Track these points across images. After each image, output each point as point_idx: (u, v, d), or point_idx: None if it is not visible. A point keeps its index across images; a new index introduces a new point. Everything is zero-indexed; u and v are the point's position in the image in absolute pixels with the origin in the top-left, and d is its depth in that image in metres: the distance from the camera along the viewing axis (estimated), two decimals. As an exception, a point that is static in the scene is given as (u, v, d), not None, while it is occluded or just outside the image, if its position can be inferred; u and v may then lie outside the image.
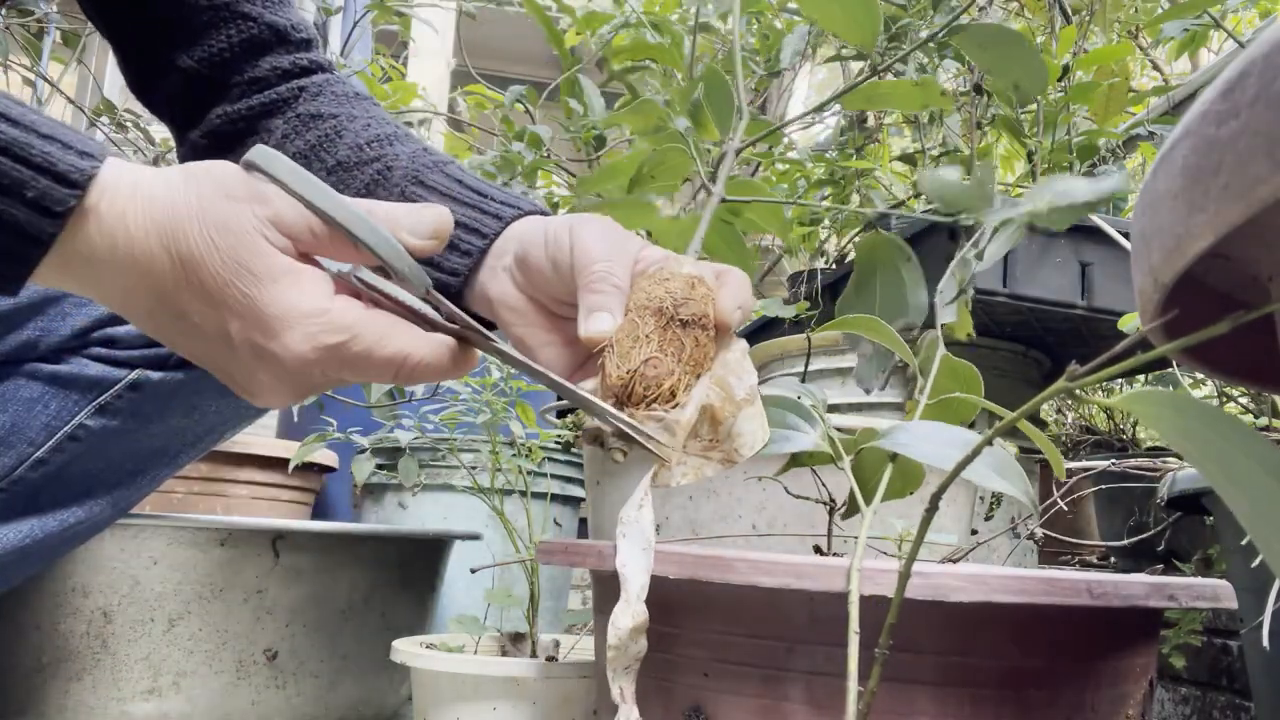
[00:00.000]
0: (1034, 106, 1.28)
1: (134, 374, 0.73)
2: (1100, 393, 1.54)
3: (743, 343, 0.52)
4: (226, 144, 0.72)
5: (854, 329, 0.61)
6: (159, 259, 0.44)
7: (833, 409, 0.88)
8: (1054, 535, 1.37)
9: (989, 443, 0.38)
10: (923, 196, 1.53)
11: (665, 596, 0.53)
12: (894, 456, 0.51)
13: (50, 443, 0.72)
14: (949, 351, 0.57)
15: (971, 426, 0.52)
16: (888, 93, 0.68)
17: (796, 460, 0.58)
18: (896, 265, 0.65)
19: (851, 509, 0.54)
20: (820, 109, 0.72)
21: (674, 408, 0.49)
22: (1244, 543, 0.82)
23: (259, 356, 0.45)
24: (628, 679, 0.49)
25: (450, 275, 0.62)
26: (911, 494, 0.53)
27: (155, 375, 0.73)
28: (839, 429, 0.56)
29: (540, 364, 0.55)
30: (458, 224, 0.62)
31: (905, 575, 0.41)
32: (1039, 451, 1.39)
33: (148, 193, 0.45)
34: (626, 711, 0.48)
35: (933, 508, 0.39)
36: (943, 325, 0.60)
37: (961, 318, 0.69)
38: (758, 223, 0.77)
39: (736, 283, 0.53)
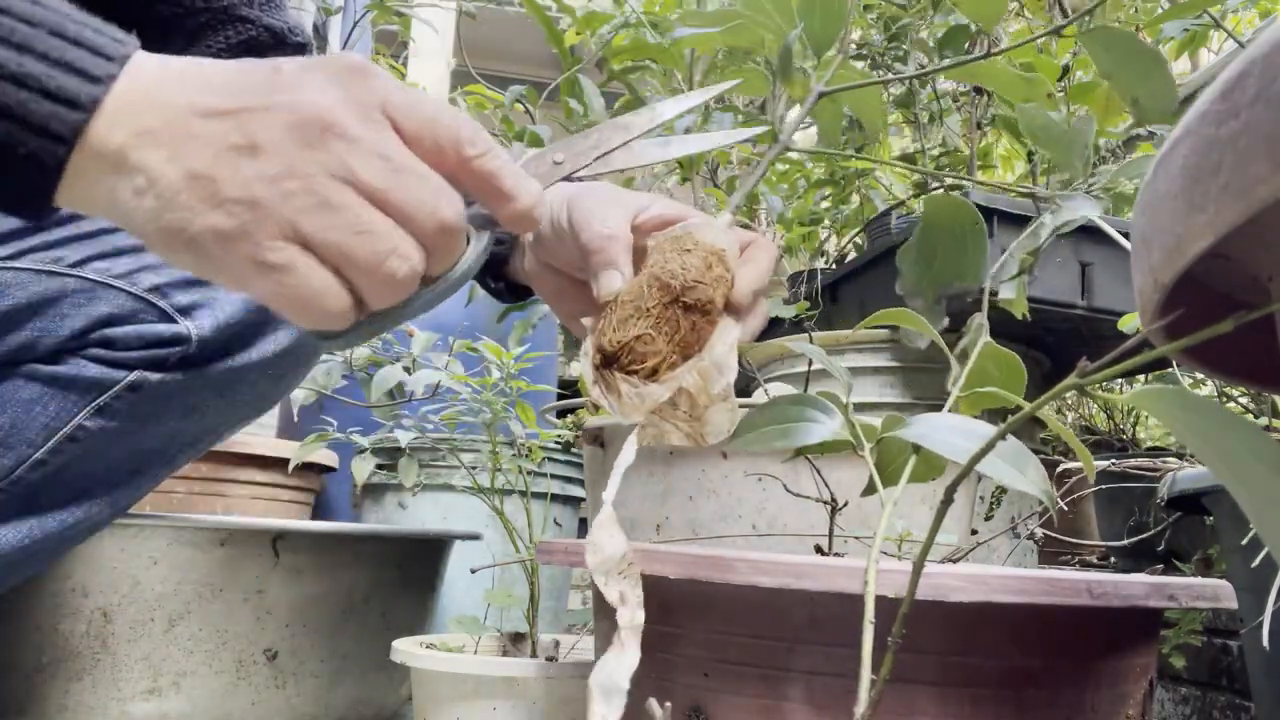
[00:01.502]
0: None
1: (133, 375, 0.73)
2: (1101, 392, 1.54)
3: (735, 331, 0.52)
4: None
5: (892, 321, 0.62)
6: (206, 60, 0.42)
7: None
8: (1054, 535, 1.37)
9: (1003, 437, 0.38)
10: (922, 197, 1.53)
11: (665, 596, 0.53)
12: (917, 449, 0.51)
13: (49, 444, 0.72)
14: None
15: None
16: (986, 73, 0.67)
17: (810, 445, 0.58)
18: (962, 228, 0.64)
19: (870, 491, 0.53)
20: (925, 74, 0.72)
21: (651, 380, 0.50)
22: (1244, 542, 0.82)
23: (312, 69, 0.41)
24: (625, 583, 0.48)
25: (495, 245, 0.65)
26: (934, 479, 0.53)
27: (154, 376, 0.73)
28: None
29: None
30: None
31: (919, 567, 0.41)
32: (1041, 451, 1.39)
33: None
34: (628, 614, 0.48)
35: (948, 500, 0.39)
36: (991, 307, 0.59)
37: (1018, 297, 0.68)
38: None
39: (760, 262, 0.53)
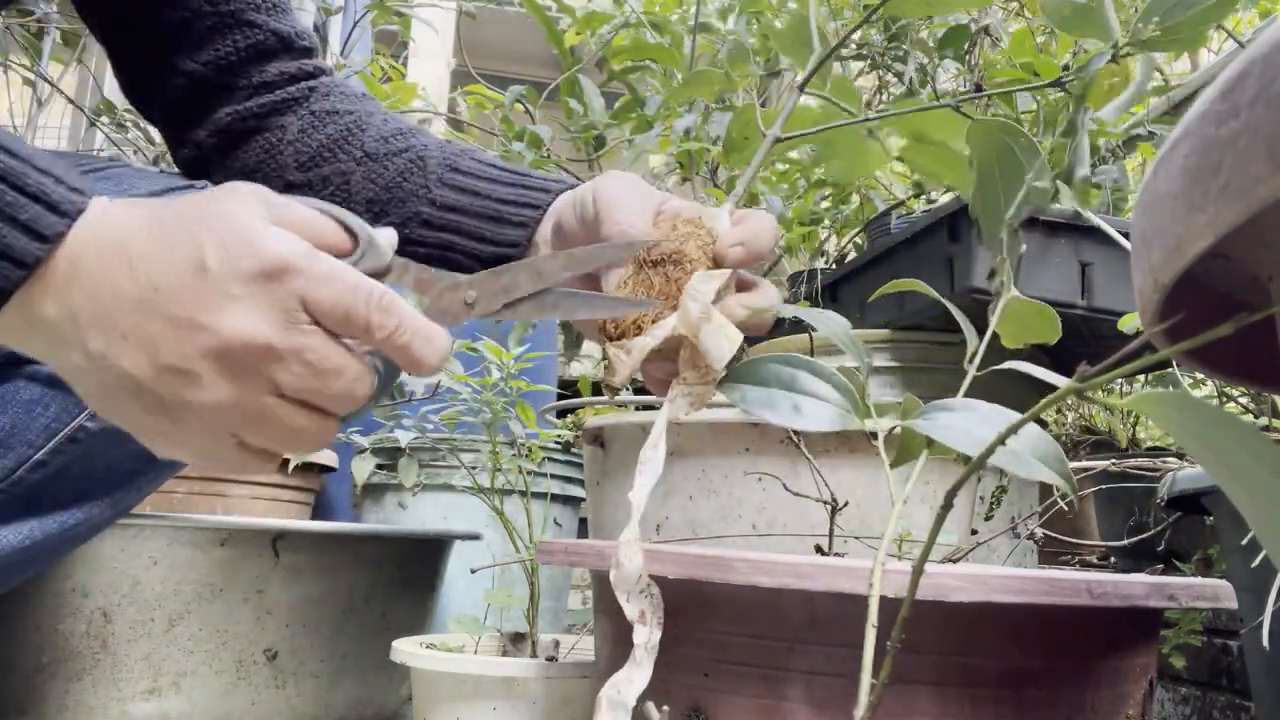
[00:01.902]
0: (1034, 106, 1.28)
1: None
2: (1101, 393, 1.53)
3: (720, 274, 0.52)
4: (236, 141, 0.73)
5: (904, 288, 0.61)
6: (129, 219, 0.44)
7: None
8: (1054, 535, 1.37)
9: (1003, 441, 0.38)
10: (923, 196, 1.53)
11: (665, 596, 0.53)
12: (930, 442, 0.50)
13: (50, 445, 0.72)
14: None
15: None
16: None
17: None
18: (1012, 150, 0.63)
19: (901, 457, 0.51)
20: (871, 14, 0.70)
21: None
22: (1244, 542, 0.82)
23: (235, 276, 0.43)
24: (647, 603, 0.49)
25: (508, 247, 0.66)
26: (952, 458, 0.52)
27: None
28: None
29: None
30: (507, 201, 0.67)
31: (919, 570, 0.41)
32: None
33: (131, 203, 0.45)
34: (645, 633, 0.48)
35: (948, 505, 0.39)
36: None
37: (1079, 191, 0.67)
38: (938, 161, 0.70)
39: (750, 224, 0.54)
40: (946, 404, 0.47)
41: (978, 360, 0.55)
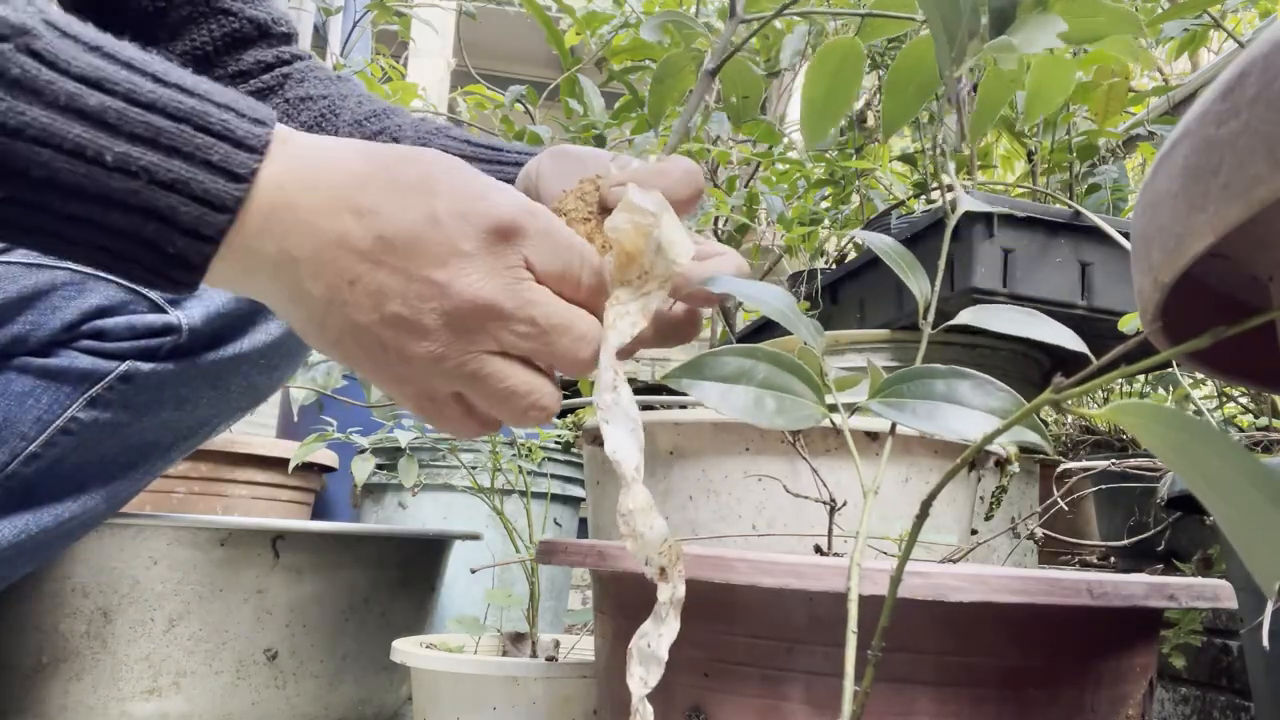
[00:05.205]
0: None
1: (124, 366, 0.73)
2: (1101, 393, 1.54)
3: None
4: None
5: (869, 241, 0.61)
6: (347, 159, 0.43)
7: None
8: (1054, 535, 1.37)
9: (980, 450, 0.38)
10: (923, 197, 1.53)
11: (665, 596, 0.52)
12: (893, 428, 0.49)
13: (43, 436, 0.72)
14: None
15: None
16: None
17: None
18: (925, 72, 0.60)
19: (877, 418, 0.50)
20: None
21: None
22: (1244, 543, 0.82)
23: (468, 231, 0.42)
24: (664, 560, 0.46)
25: None
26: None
27: (145, 366, 0.73)
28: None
29: None
30: None
31: (897, 580, 0.41)
32: (1038, 451, 1.40)
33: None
34: (669, 589, 0.46)
35: (923, 515, 0.39)
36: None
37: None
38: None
39: (653, 167, 0.52)
40: (904, 374, 0.46)
41: (931, 315, 0.54)
